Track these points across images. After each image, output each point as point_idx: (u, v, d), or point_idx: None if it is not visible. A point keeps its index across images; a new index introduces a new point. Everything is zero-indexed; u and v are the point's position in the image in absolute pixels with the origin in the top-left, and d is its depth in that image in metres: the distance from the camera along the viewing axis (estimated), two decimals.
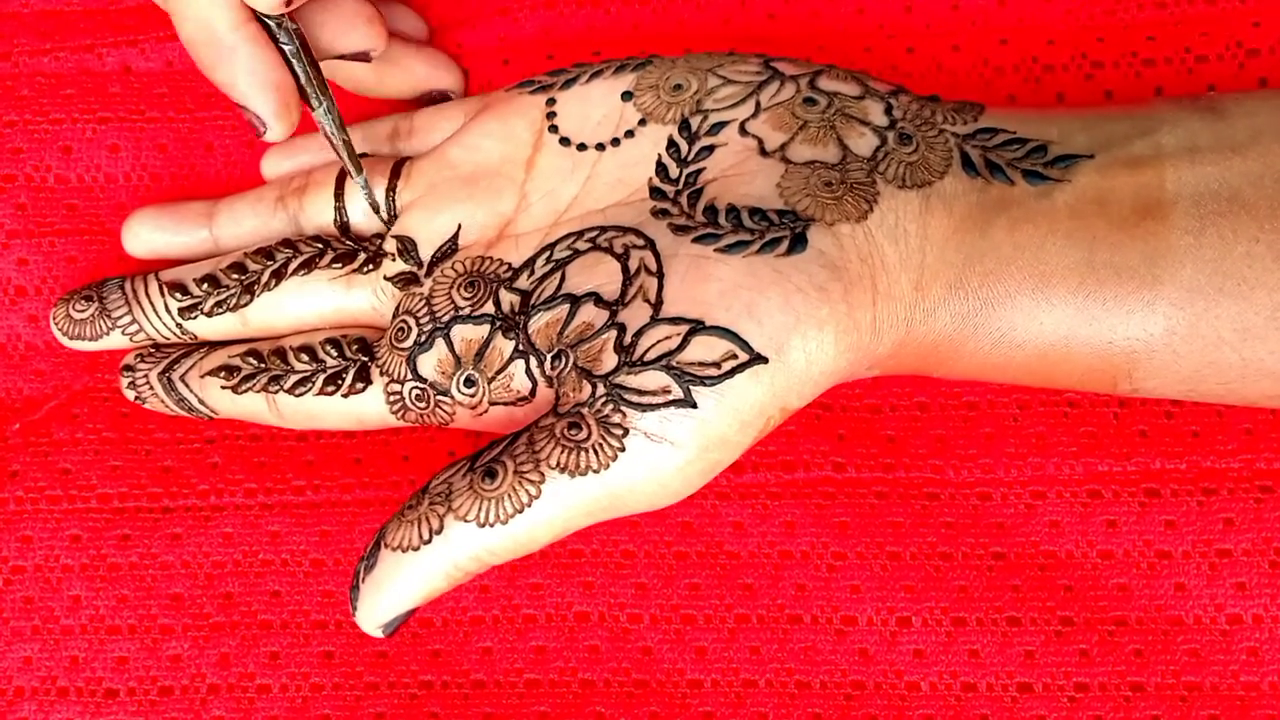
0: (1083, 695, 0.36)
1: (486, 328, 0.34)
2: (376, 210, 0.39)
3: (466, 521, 0.32)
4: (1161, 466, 0.37)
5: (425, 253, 0.37)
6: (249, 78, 0.35)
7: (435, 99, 0.42)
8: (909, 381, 0.39)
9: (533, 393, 0.34)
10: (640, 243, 0.34)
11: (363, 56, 0.38)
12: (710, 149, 0.35)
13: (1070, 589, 0.37)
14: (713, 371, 0.31)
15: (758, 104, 0.35)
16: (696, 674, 0.38)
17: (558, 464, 0.31)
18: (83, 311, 0.39)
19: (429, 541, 0.32)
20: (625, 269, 0.33)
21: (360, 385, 0.37)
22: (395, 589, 0.32)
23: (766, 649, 0.38)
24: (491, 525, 0.31)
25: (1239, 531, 0.37)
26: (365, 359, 0.37)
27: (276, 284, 0.38)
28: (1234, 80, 0.39)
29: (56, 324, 0.40)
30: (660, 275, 0.33)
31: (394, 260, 0.37)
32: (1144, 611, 0.37)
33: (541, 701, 0.38)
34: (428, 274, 0.37)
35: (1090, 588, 0.37)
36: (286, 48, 0.36)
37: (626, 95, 0.37)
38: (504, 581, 0.39)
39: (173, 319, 0.39)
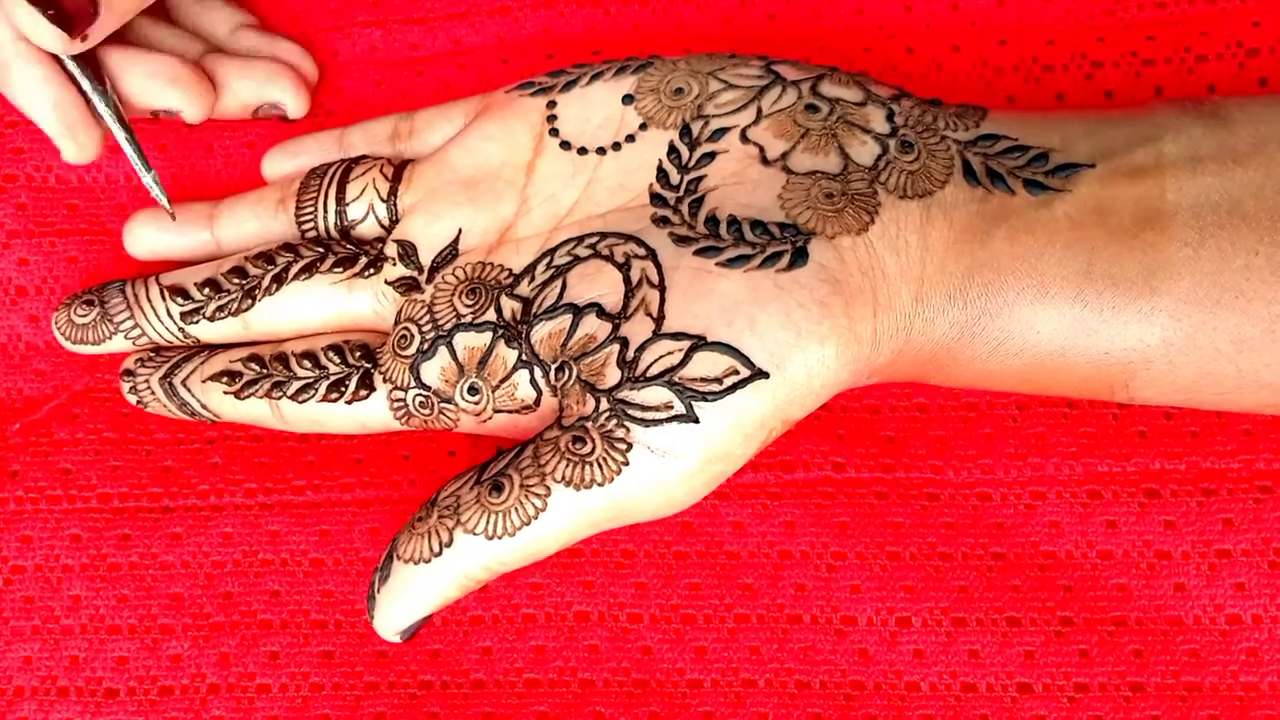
0: (1082, 695, 0.36)
1: (489, 335, 0.34)
2: (168, 210, 0.39)
3: (475, 534, 0.32)
4: (1161, 467, 0.37)
5: (426, 257, 0.37)
6: (27, 95, 0.35)
7: (270, 113, 0.42)
8: (908, 382, 0.39)
9: (537, 401, 0.34)
10: (641, 252, 0.33)
11: (175, 115, 0.38)
12: (711, 155, 0.35)
13: (1070, 589, 0.37)
14: (715, 387, 0.31)
15: (759, 110, 0.35)
16: (696, 674, 0.38)
17: (563, 478, 0.32)
18: (84, 316, 0.39)
19: (439, 554, 0.32)
20: (627, 279, 0.33)
21: (364, 392, 0.37)
22: (410, 599, 0.33)
23: (766, 649, 0.38)
24: (499, 538, 0.32)
25: (1238, 532, 0.37)
26: (368, 365, 0.37)
27: (278, 288, 0.38)
28: (1234, 80, 0.39)
29: (59, 328, 0.40)
30: (662, 289, 0.33)
31: (395, 265, 0.37)
32: (1143, 612, 0.37)
33: (541, 701, 0.38)
34: (429, 279, 0.36)
35: (1090, 588, 0.37)
36: (68, 63, 0.35)
37: (627, 99, 0.37)
38: (504, 581, 0.39)
39: (174, 323, 0.39)
